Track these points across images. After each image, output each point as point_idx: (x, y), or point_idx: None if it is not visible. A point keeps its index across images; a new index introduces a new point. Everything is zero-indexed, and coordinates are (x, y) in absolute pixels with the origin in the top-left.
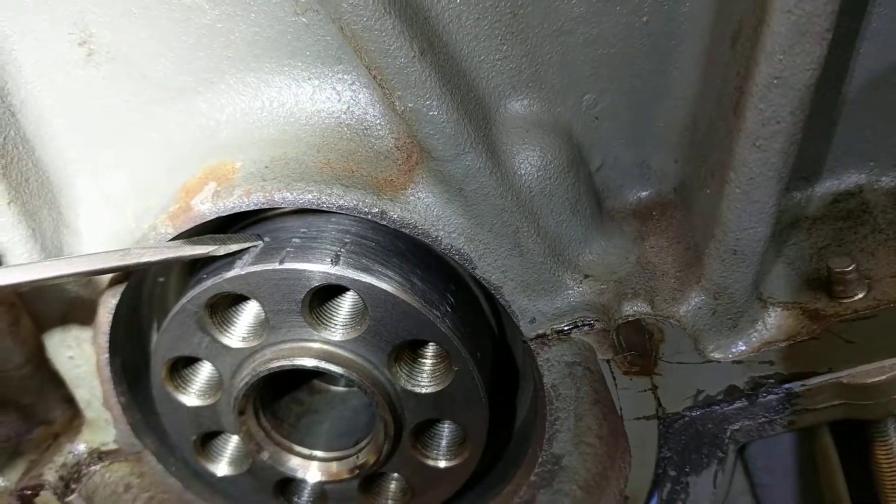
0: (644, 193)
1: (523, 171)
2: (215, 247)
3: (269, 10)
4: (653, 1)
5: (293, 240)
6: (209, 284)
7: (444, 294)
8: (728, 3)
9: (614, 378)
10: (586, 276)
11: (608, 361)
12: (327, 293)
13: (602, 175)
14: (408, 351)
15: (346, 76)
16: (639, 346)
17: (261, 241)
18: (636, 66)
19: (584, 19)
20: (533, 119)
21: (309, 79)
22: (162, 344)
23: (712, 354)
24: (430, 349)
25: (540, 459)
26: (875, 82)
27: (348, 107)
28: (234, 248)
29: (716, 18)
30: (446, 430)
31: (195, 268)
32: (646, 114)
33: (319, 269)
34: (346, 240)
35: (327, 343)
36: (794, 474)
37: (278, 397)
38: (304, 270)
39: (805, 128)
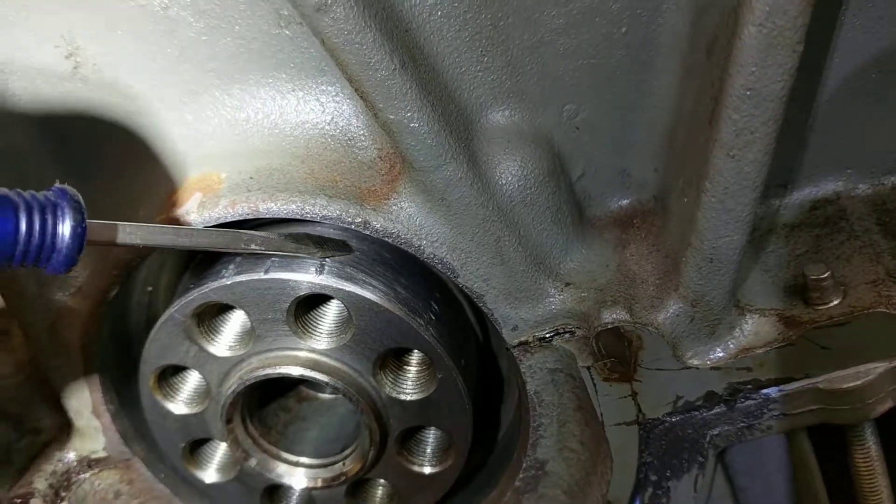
0: (625, 201)
1: (504, 181)
2: (315, 250)
3: (252, 23)
4: (631, 12)
5: None
6: (195, 294)
7: (429, 302)
8: (704, 14)
9: (594, 385)
10: (567, 284)
11: (588, 368)
12: (313, 301)
13: (583, 184)
14: (393, 359)
15: (329, 87)
16: (618, 354)
17: (353, 251)
18: (616, 77)
19: (563, 31)
20: (514, 129)
21: (293, 90)
22: (150, 353)
23: (691, 361)
24: (415, 357)
25: (524, 465)
26: (850, 91)
27: (332, 118)
28: (330, 254)
29: (692, 29)
30: (431, 436)
31: (183, 276)
32: (626, 123)
33: (304, 278)
34: None
35: (312, 351)
36: (774, 478)
37: (266, 404)
38: (289, 280)
39: (780, 137)
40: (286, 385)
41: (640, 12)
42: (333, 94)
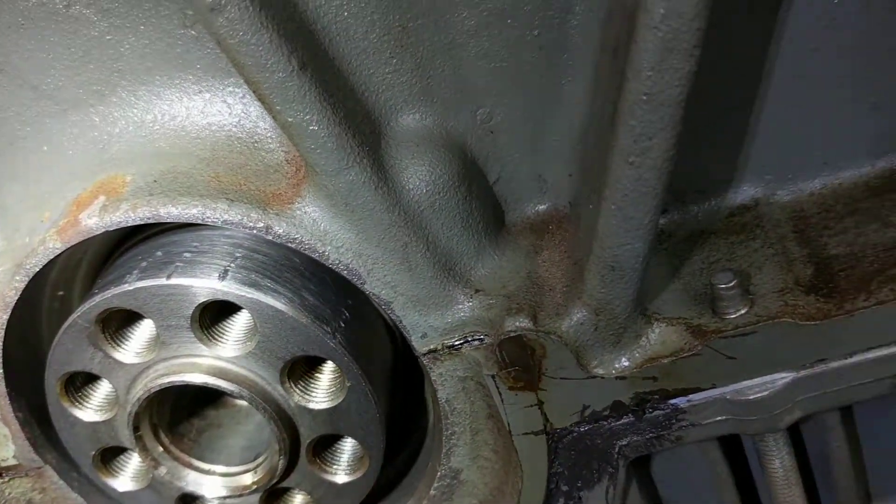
0: (541, 207)
1: (411, 186)
2: None
3: (157, 22)
4: (543, 14)
5: (184, 254)
6: (98, 300)
7: (339, 309)
8: (611, 16)
9: (500, 393)
10: (477, 291)
11: (493, 377)
12: (222, 308)
13: (499, 188)
14: (303, 367)
15: (237, 89)
16: (522, 362)
17: None
18: (530, 80)
19: (475, 33)
20: (425, 133)
21: (200, 92)
22: (54, 359)
23: (595, 370)
24: (327, 365)
25: (439, 473)
26: (766, 94)
27: (239, 120)
28: None
29: (602, 32)
30: (347, 445)
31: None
32: (540, 127)
33: (206, 284)
34: (238, 254)
35: (218, 359)
36: (699, 488)
37: (183, 411)
38: (191, 286)
39: (695, 141)
40: (206, 391)
41: (552, 14)
42: (240, 95)
